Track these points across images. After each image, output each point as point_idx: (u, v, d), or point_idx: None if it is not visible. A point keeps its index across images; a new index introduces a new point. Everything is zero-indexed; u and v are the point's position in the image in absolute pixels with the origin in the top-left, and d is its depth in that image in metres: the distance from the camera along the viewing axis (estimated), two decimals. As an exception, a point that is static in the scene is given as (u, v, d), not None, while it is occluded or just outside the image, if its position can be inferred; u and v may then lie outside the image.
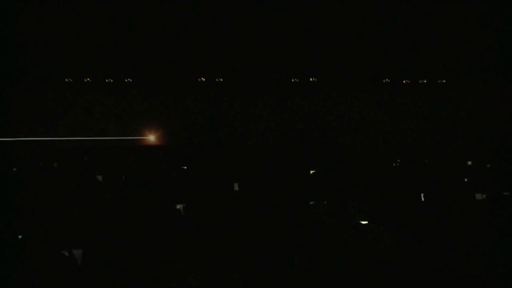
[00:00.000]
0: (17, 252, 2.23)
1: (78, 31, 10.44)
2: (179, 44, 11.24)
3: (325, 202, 3.53)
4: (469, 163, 6.95)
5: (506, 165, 6.30)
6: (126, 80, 13.12)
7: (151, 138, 12.81)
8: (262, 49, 11.60)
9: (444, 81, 13.02)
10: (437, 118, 13.38)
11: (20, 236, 2.48)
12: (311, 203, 3.57)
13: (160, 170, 5.87)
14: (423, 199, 3.92)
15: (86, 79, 12.97)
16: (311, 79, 13.17)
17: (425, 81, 13.13)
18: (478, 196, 4.11)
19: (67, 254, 2.23)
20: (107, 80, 13.11)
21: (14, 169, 5.79)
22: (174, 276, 2.12)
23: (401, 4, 9.40)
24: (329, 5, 9.93)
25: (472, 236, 2.53)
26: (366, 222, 2.96)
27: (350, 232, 2.44)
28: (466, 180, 5.04)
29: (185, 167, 6.07)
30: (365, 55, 12.17)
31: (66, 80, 12.93)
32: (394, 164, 6.82)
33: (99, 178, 4.93)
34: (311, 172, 5.33)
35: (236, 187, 4.60)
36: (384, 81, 13.39)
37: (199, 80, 12.84)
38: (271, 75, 12.75)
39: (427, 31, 10.63)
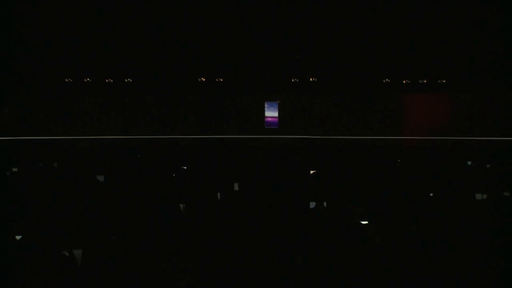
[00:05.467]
0: (17, 252, 2.23)
1: (78, 31, 10.43)
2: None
3: (324, 203, 3.54)
4: (469, 163, 6.95)
5: (506, 165, 6.30)
6: (126, 80, 13.11)
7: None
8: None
9: (444, 81, 13.02)
10: (437, 118, 13.38)
11: (20, 236, 2.48)
12: (311, 203, 3.57)
13: (160, 170, 5.87)
14: (423, 199, 3.92)
15: (86, 79, 12.96)
16: (311, 79, 13.18)
17: (425, 81, 13.13)
18: (478, 196, 4.11)
19: (67, 254, 2.23)
20: (107, 80, 13.10)
21: (14, 169, 5.79)
22: (173, 276, 2.12)
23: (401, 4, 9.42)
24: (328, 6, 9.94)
25: (472, 236, 2.53)
26: (366, 222, 2.96)
27: (350, 232, 2.44)
28: (466, 180, 5.03)
29: (185, 167, 6.07)
30: (365, 56, 12.16)
31: (66, 80, 12.93)
32: (394, 164, 6.82)
33: (99, 178, 4.93)
34: (311, 172, 5.33)
35: (236, 187, 4.60)
36: (384, 81, 13.40)
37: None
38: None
39: (427, 31, 10.62)
